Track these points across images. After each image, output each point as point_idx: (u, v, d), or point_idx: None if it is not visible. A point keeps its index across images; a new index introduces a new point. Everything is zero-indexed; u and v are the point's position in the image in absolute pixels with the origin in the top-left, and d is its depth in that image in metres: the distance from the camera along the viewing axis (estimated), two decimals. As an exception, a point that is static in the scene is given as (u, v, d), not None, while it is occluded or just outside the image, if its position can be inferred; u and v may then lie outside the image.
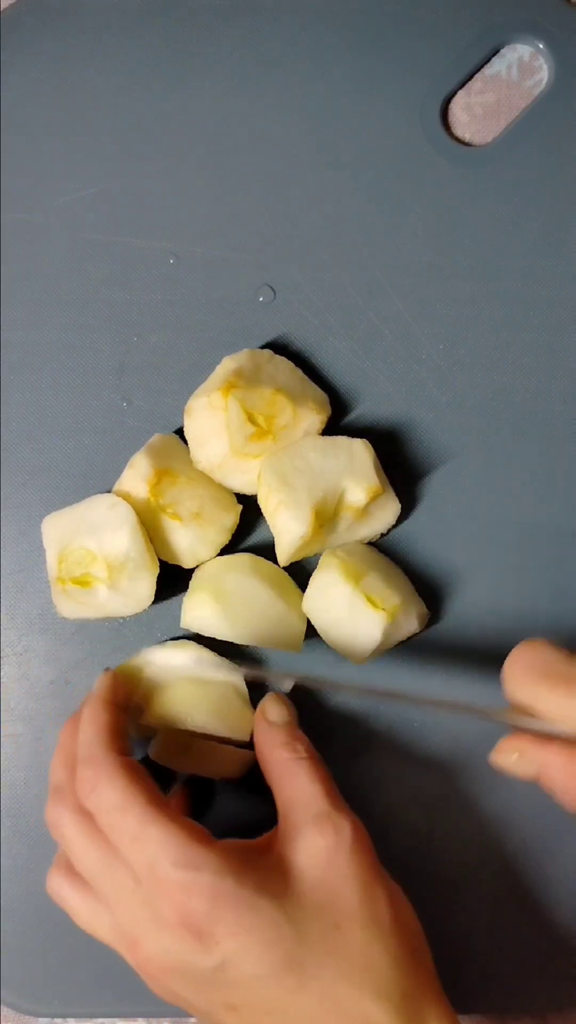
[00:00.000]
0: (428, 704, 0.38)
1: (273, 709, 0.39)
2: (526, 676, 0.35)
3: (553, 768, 0.34)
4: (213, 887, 0.33)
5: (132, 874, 0.34)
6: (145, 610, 0.41)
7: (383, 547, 0.43)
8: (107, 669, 0.40)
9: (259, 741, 0.39)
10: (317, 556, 0.42)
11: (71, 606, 0.40)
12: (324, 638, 0.41)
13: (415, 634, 0.41)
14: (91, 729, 0.37)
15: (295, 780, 0.37)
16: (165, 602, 0.42)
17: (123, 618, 0.42)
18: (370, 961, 0.33)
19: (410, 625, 0.40)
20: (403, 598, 0.40)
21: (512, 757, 0.35)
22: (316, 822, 0.35)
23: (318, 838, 0.35)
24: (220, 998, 0.33)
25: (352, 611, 0.39)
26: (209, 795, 0.42)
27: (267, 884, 0.34)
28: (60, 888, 0.38)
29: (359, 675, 0.42)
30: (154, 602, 0.41)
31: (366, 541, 0.42)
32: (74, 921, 0.37)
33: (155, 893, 0.33)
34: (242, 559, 0.41)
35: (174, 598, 0.42)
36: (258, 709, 0.40)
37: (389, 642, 0.40)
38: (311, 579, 0.41)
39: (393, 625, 0.39)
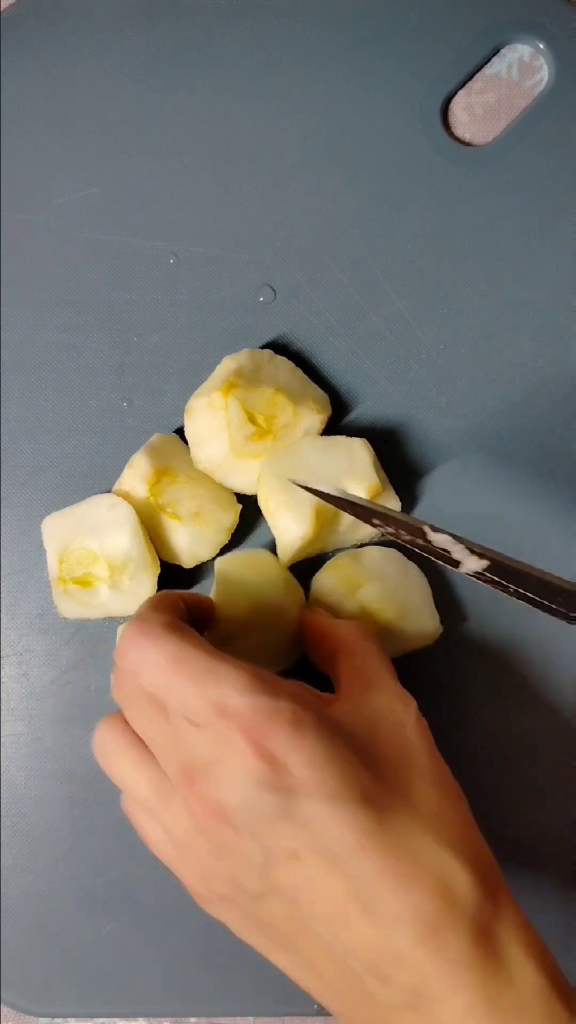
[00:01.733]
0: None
1: (322, 611, 0.40)
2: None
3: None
4: (293, 713, 0.30)
5: (196, 733, 0.31)
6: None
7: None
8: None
9: (312, 626, 0.38)
10: (320, 557, 0.42)
11: (72, 606, 0.40)
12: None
13: (423, 645, 0.41)
14: (145, 605, 0.35)
15: (367, 655, 0.36)
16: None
17: (124, 618, 0.42)
18: (443, 817, 0.31)
19: (411, 640, 0.40)
20: (403, 612, 0.40)
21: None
22: (386, 691, 0.35)
23: (385, 706, 0.34)
24: (282, 843, 0.30)
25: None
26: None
27: (345, 727, 0.32)
28: (107, 737, 0.34)
29: None
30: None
31: (367, 542, 0.42)
32: (113, 777, 0.35)
33: (226, 726, 0.30)
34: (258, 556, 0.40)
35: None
36: (308, 609, 0.40)
37: (394, 651, 0.40)
38: (312, 580, 0.41)
39: (387, 638, 0.40)
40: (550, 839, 0.42)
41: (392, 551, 0.42)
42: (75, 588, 0.40)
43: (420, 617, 0.41)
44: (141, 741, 0.34)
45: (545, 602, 0.35)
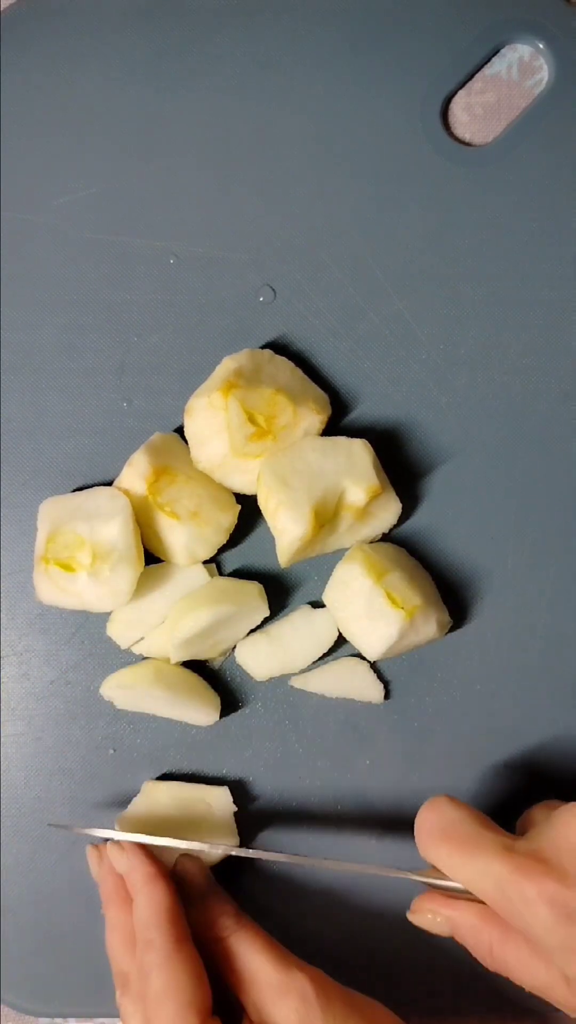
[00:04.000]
0: (352, 870, 0.38)
1: (194, 873, 0.39)
2: (430, 838, 0.35)
3: (462, 928, 0.35)
4: None
5: None
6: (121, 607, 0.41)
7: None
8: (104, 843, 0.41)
9: (191, 925, 0.38)
10: (320, 557, 0.42)
11: (50, 589, 0.40)
12: (341, 630, 0.41)
13: (434, 640, 0.41)
14: (145, 911, 0.37)
15: (236, 960, 0.37)
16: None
17: (98, 613, 0.42)
18: None
19: (429, 629, 0.40)
20: (425, 600, 0.40)
21: (426, 916, 0.36)
22: (278, 995, 0.35)
23: (288, 1012, 0.35)
24: None
25: (371, 606, 0.39)
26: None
27: None
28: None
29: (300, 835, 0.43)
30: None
31: (367, 541, 0.42)
32: None
33: None
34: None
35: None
36: (209, 918, 0.38)
37: (406, 643, 0.40)
38: (335, 569, 0.41)
39: (410, 625, 0.39)
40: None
41: (398, 546, 0.42)
42: (56, 571, 0.40)
43: (437, 607, 0.41)
44: None
45: None
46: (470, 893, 0.35)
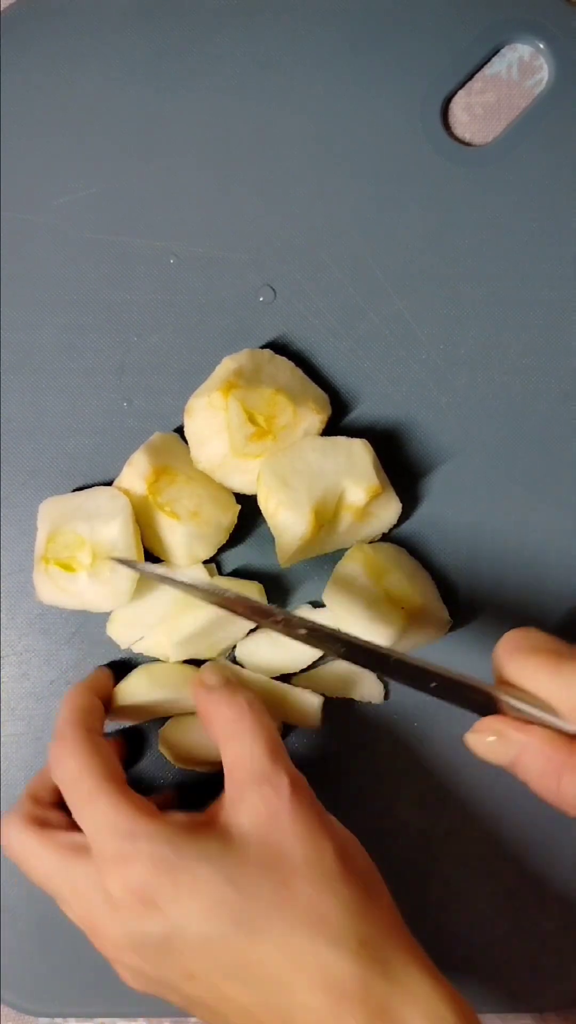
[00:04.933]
0: (416, 672, 0.35)
1: (210, 675, 0.39)
2: (517, 651, 0.34)
3: (531, 752, 0.33)
4: (150, 855, 0.33)
5: (87, 861, 0.35)
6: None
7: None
8: (102, 667, 0.42)
9: (199, 707, 0.38)
10: (320, 557, 0.42)
11: (50, 589, 0.40)
12: (341, 629, 0.41)
13: (434, 640, 0.41)
14: (66, 709, 0.39)
15: (235, 741, 0.36)
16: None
17: (99, 613, 0.42)
18: (320, 911, 0.32)
19: (429, 630, 0.40)
20: (425, 600, 0.40)
21: (489, 739, 0.34)
22: (256, 782, 0.35)
23: (258, 800, 0.34)
24: (177, 968, 0.34)
25: (371, 606, 0.39)
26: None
27: (208, 850, 0.34)
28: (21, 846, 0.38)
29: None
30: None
31: (367, 541, 0.42)
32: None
33: (101, 867, 0.34)
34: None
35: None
36: (195, 680, 0.39)
37: (406, 643, 0.40)
38: (335, 568, 0.41)
39: (411, 626, 0.39)
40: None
41: (398, 546, 0.42)
42: (56, 570, 0.40)
43: (437, 607, 0.41)
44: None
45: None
46: (544, 722, 0.33)
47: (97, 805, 0.35)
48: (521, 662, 0.33)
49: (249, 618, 0.36)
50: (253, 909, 0.32)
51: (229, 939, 0.32)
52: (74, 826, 0.37)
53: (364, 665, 0.35)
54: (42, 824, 0.37)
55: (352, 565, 0.40)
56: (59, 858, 0.36)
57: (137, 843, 0.34)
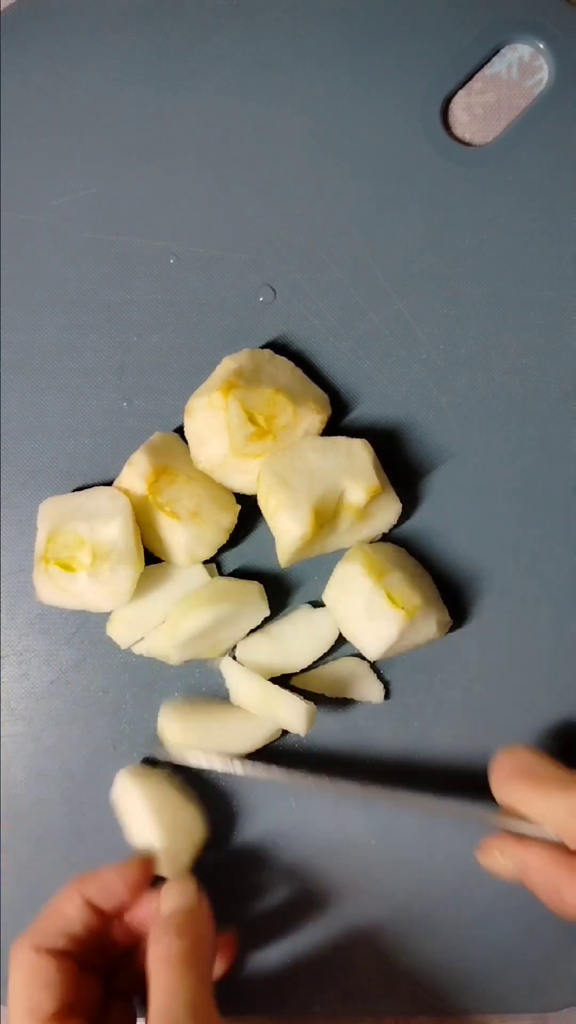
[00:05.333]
0: (419, 808, 0.40)
1: (167, 899, 0.37)
2: (508, 777, 0.37)
3: (533, 869, 0.36)
4: None
5: None
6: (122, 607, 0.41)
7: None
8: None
9: (152, 927, 0.37)
10: (320, 557, 0.42)
11: (50, 589, 0.40)
12: (342, 631, 0.41)
13: (434, 640, 0.41)
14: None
15: (159, 980, 0.34)
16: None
17: (99, 613, 0.42)
18: None
19: (429, 629, 0.40)
20: (425, 600, 0.40)
21: (495, 856, 0.37)
22: None
23: None
24: None
25: (371, 606, 0.39)
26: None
27: None
28: None
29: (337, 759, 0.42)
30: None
31: (367, 541, 0.42)
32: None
33: None
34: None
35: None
36: (160, 894, 0.38)
37: (406, 643, 0.40)
38: (336, 568, 0.41)
39: (410, 626, 0.39)
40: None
41: (398, 546, 0.42)
42: (56, 570, 0.40)
43: (437, 607, 0.41)
44: None
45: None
46: (543, 840, 0.36)
47: None
48: (512, 787, 0.37)
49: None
50: None
51: None
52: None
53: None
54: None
55: (353, 565, 0.40)
56: None
57: None
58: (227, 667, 0.42)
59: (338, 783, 0.40)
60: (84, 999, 0.36)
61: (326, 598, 0.41)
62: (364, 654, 0.40)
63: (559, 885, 0.35)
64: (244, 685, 0.41)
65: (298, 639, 0.42)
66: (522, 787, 0.36)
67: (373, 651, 0.40)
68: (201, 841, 0.41)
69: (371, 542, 0.42)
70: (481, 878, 0.42)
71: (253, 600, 0.41)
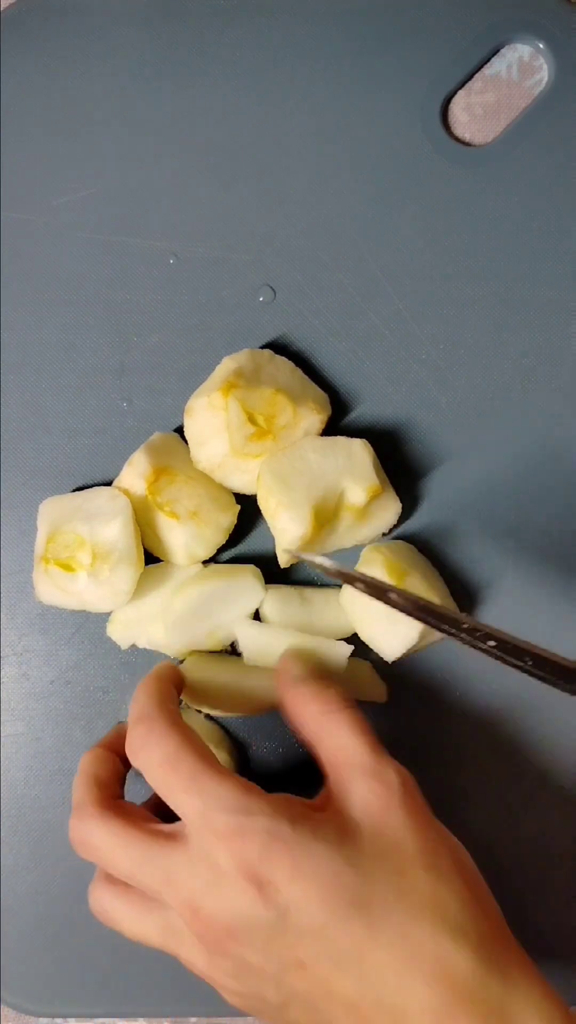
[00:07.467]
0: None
1: (295, 665, 0.39)
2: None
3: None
4: (268, 831, 0.32)
5: (179, 848, 0.33)
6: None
7: (383, 547, 0.42)
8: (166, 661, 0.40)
9: (287, 700, 0.38)
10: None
11: (50, 589, 0.40)
12: (359, 633, 0.41)
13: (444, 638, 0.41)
14: (144, 695, 0.37)
15: (334, 736, 0.35)
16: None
17: (98, 613, 0.42)
18: (440, 902, 0.31)
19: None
20: (442, 601, 0.40)
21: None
22: (364, 776, 0.34)
23: (368, 792, 0.34)
24: (287, 955, 0.32)
25: (392, 609, 0.39)
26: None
27: (324, 832, 0.32)
28: (103, 899, 0.36)
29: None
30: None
31: (367, 541, 0.42)
32: (123, 932, 0.36)
33: (209, 845, 0.32)
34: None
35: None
36: (278, 668, 0.39)
37: (423, 643, 0.40)
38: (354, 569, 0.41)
39: (430, 628, 0.39)
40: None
41: (408, 543, 0.42)
42: (56, 570, 0.40)
43: (450, 605, 0.41)
44: (135, 891, 0.35)
45: (544, 675, 0.35)
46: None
47: (203, 782, 0.33)
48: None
49: (437, 627, 0.35)
50: (372, 894, 0.31)
51: (347, 924, 0.31)
52: (153, 818, 0.36)
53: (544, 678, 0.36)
54: (124, 813, 0.35)
55: (371, 568, 0.40)
56: (150, 845, 0.34)
57: (253, 818, 0.32)
58: (244, 627, 0.41)
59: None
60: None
61: (342, 600, 0.41)
62: (383, 655, 0.40)
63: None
64: (267, 637, 0.41)
65: (329, 608, 0.41)
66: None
67: (392, 653, 0.40)
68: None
69: (374, 542, 0.42)
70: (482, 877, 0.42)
71: (247, 580, 0.40)
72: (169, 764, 0.34)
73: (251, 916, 0.32)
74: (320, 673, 0.38)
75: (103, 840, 0.35)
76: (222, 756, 0.41)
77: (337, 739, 0.35)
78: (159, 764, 0.34)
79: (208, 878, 0.32)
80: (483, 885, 0.34)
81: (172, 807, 0.34)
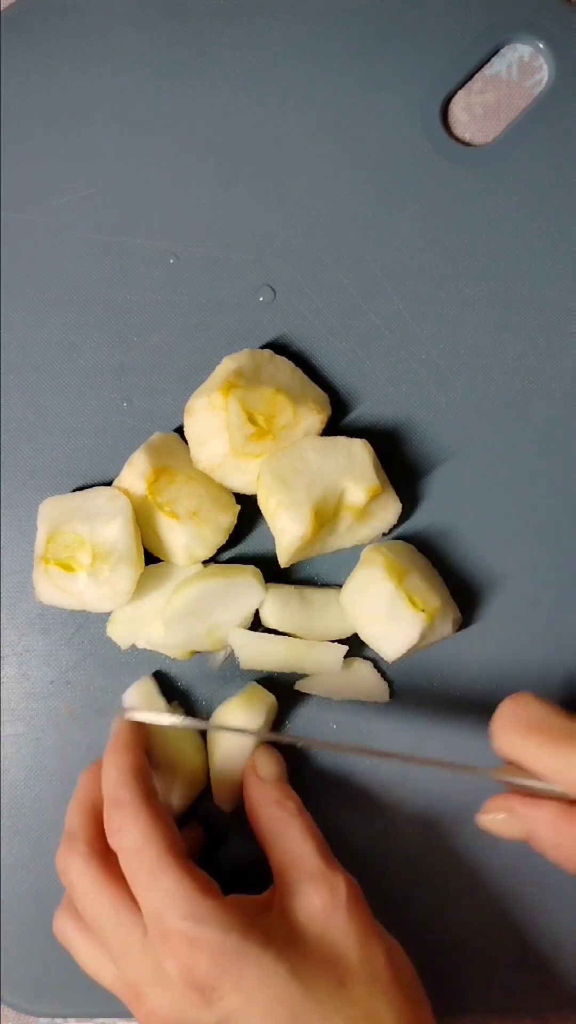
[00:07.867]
0: (420, 763, 0.39)
1: (263, 764, 0.40)
2: (514, 730, 0.35)
3: (543, 826, 0.34)
4: (218, 942, 0.33)
5: (140, 926, 0.34)
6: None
7: (383, 547, 0.42)
8: (120, 713, 0.39)
9: (249, 797, 0.39)
10: (320, 557, 0.42)
11: (50, 589, 0.40)
12: (359, 633, 0.41)
13: (447, 638, 0.41)
14: (114, 771, 0.37)
15: (286, 838, 0.37)
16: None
17: (98, 613, 0.42)
18: (377, 1016, 0.33)
19: (445, 628, 0.40)
20: (442, 601, 0.40)
21: (499, 817, 0.35)
22: (311, 881, 0.35)
23: (314, 897, 0.35)
24: None
25: (392, 609, 0.39)
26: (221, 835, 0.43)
27: (271, 940, 0.33)
28: (66, 931, 0.38)
29: (356, 727, 0.43)
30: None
31: (367, 541, 0.42)
32: (79, 964, 0.37)
33: (160, 945, 0.33)
34: None
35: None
36: (248, 763, 0.40)
37: (423, 643, 0.40)
38: (352, 572, 0.41)
39: (430, 627, 0.39)
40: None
41: (408, 543, 0.42)
42: (56, 570, 0.40)
43: (451, 606, 0.41)
44: (96, 936, 0.36)
45: None
46: (551, 795, 0.34)
47: (162, 880, 0.34)
48: (520, 742, 0.34)
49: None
50: (312, 1006, 0.32)
51: None
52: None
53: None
54: (107, 864, 0.36)
55: (372, 569, 0.40)
56: (119, 911, 0.35)
57: (203, 928, 0.33)
58: (237, 636, 0.41)
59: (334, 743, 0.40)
60: None
61: (344, 602, 0.41)
62: (383, 656, 0.40)
63: (572, 841, 0.34)
64: (264, 643, 0.41)
65: (329, 608, 0.41)
66: (529, 740, 0.34)
67: (393, 653, 0.40)
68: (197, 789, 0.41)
69: (373, 542, 0.42)
70: (481, 877, 0.42)
71: (247, 580, 0.40)
72: (135, 853, 0.35)
73: (191, 1019, 0.33)
74: (285, 779, 0.40)
75: (79, 883, 0.36)
76: (201, 766, 0.42)
77: (287, 843, 0.37)
78: (125, 852, 0.35)
79: (156, 974, 0.34)
80: (419, 990, 0.35)
81: (135, 897, 0.35)
